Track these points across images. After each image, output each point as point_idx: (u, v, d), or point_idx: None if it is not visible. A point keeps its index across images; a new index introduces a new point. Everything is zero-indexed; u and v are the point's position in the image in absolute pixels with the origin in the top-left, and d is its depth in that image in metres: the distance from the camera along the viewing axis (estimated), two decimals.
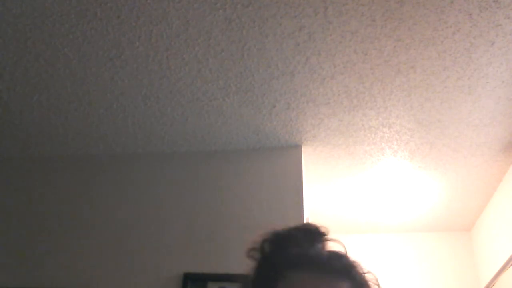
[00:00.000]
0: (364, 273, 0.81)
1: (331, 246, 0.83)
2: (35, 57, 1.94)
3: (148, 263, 2.23)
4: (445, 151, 2.44)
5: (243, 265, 0.84)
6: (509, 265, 2.59)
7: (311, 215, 2.84)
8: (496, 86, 2.04)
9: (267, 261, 0.81)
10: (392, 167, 2.57)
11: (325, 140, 2.39)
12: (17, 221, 2.42)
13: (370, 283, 0.81)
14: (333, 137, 2.36)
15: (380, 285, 0.82)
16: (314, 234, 0.82)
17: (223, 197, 2.35)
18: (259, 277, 0.81)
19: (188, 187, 2.41)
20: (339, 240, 0.82)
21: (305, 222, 2.27)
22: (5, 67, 1.99)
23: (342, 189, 2.79)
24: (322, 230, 0.82)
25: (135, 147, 2.48)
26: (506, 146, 2.41)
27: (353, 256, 0.81)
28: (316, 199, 2.87)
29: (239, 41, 1.86)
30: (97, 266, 2.26)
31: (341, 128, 2.30)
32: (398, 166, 2.57)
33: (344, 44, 1.86)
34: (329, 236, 0.82)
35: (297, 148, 2.43)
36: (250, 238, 0.83)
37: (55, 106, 2.20)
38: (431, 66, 1.95)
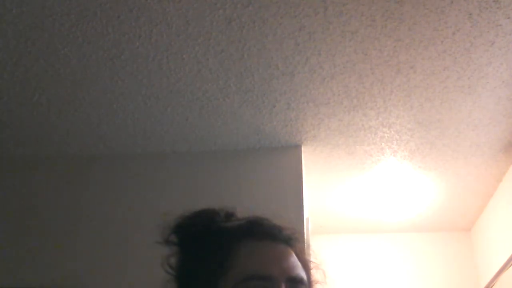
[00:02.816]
0: (302, 242, 0.88)
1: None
2: (35, 57, 1.94)
3: (148, 263, 2.23)
4: (445, 151, 2.44)
5: None
6: (509, 265, 2.59)
7: (311, 215, 2.83)
8: (496, 86, 2.04)
9: (212, 235, 0.82)
10: (392, 167, 2.57)
11: (325, 140, 2.39)
12: (17, 221, 2.42)
13: (305, 252, 0.87)
14: (333, 137, 2.36)
15: (311, 254, 0.88)
16: (228, 213, 0.87)
17: (223, 197, 2.35)
18: (201, 252, 0.81)
19: (188, 187, 2.41)
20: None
21: (305, 221, 2.27)
22: (5, 67, 1.99)
23: (342, 189, 2.79)
24: (231, 210, 0.88)
25: (135, 147, 2.48)
26: (506, 146, 2.41)
27: (289, 227, 0.86)
28: (316, 199, 2.87)
29: (239, 41, 1.86)
30: (96, 266, 2.26)
31: (341, 128, 2.30)
32: (398, 166, 2.57)
33: (344, 44, 1.86)
34: (239, 215, 0.86)
35: (297, 148, 2.43)
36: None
37: (55, 106, 2.20)
38: (431, 66, 1.95)
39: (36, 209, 2.44)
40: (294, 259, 0.81)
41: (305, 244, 0.88)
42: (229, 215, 0.86)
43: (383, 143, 2.40)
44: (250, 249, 0.80)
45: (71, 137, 2.41)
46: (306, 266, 0.84)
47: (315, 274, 0.87)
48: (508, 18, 1.73)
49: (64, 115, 2.26)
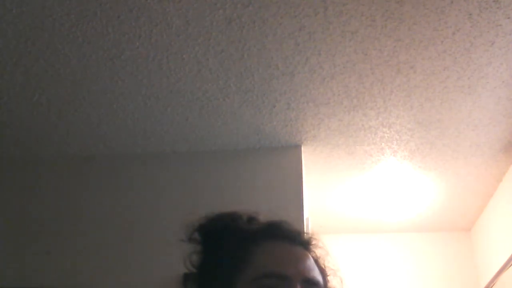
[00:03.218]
0: (320, 248, 0.90)
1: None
2: (35, 57, 1.94)
3: (148, 263, 2.23)
4: (445, 151, 2.44)
5: None
6: (509, 265, 2.59)
7: (311, 215, 2.83)
8: (496, 86, 2.04)
9: (233, 235, 0.84)
10: (392, 167, 2.57)
11: (325, 140, 2.39)
12: (17, 221, 2.42)
13: (324, 257, 0.89)
14: (333, 137, 2.36)
15: (331, 261, 0.90)
16: (250, 217, 0.89)
17: (223, 197, 2.35)
18: (222, 251, 0.83)
19: (188, 187, 2.41)
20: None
21: (305, 221, 2.27)
22: (5, 67, 1.99)
23: (342, 189, 2.79)
24: (254, 214, 0.90)
25: (135, 147, 2.48)
26: (506, 146, 2.41)
27: (308, 232, 0.90)
28: (316, 199, 2.87)
29: (239, 41, 1.86)
30: (96, 266, 2.26)
31: (341, 128, 2.30)
32: (398, 166, 2.57)
33: (344, 44, 1.86)
34: (261, 219, 0.89)
35: (297, 148, 2.43)
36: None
37: (55, 106, 2.20)
38: (431, 66, 1.95)
39: (36, 209, 2.44)
40: (311, 262, 0.84)
41: (325, 251, 0.90)
42: (251, 219, 0.89)
43: (383, 143, 2.40)
44: (268, 249, 0.83)
45: (71, 137, 2.41)
46: (323, 271, 0.87)
47: (332, 281, 0.89)
48: (508, 18, 1.73)
49: (64, 115, 2.26)
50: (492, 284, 2.83)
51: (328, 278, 0.88)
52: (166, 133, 2.37)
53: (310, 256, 0.85)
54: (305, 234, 0.88)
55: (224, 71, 2.00)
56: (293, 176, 2.38)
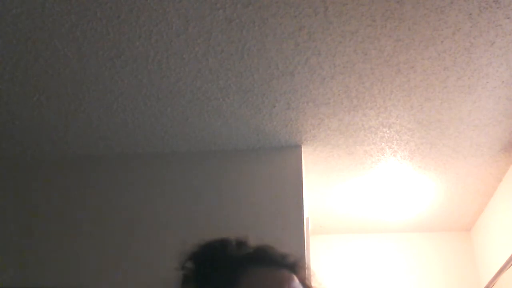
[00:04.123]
0: (306, 269, 0.94)
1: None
2: (35, 57, 1.94)
3: (148, 263, 2.23)
4: (445, 151, 2.44)
5: None
6: (509, 265, 2.59)
7: (311, 215, 2.83)
8: (496, 86, 2.04)
9: (223, 262, 0.89)
10: (392, 167, 2.57)
11: (325, 140, 2.39)
12: (17, 221, 2.42)
13: (310, 278, 0.94)
14: (333, 137, 2.36)
15: (319, 280, 0.95)
16: (239, 243, 0.93)
17: (223, 197, 2.35)
18: (213, 279, 0.88)
19: (188, 187, 2.41)
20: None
21: (305, 221, 2.27)
22: (5, 67, 1.99)
23: (342, 189, 2.79)
24: (243, 239, 0.94)
25: (135, 147, 2.48)
26: (506, 146, 2.41)
27: (293, 255, 0.93)
28: (316, 199, 2.87)
29: (239, 41, 1.86)
30: (96, 266, 2.26)
31: (341, 128, 2.30)
32: (398, 166, 2.57)
33: (344, 44, 1.86)
34: (250, 244, 0.93)
35: (297, 148, 2.43)
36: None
37: (55, 106, 2.20)
38: (431, 66, 1.95)
39: (36, 209, 2.44)
40: (295, 284, 0.88)
41: (310, 271, 0.95)
42: (241, 244, 0.93)
43: (383, 143, 2.40)
44: (255, 275, 0.87)
45: (71, 137, 2.41)
46: None
47: None
48: (508, 18, 1.73)
49: (64, 115, 2.26)
50: (492, 284, 2.83)
51: None
52: (166, 133, 2.37)
53: (295, 278, 0.89)
54: (290, 257, 0.92)
55: (224, 71, 2.00)
56: (293, 176, 2.38)
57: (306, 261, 0.96)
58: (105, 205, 2.41)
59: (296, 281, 0.89)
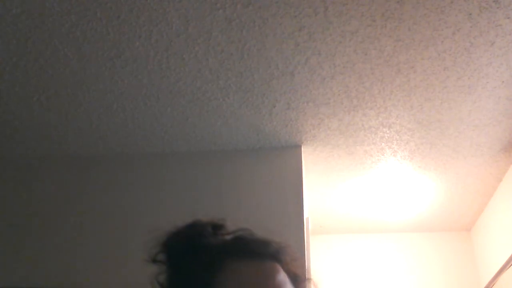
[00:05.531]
0: (290, 255, 0.85)
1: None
2: (35, 57, 1.94)
3: (148, 263, 2.23)
4: (445, 151, 2.44)
5: None
6: (509, 265, 2.59)
7: (311, 215, 2.83)
8: (496, 86, 2.04)
9: (200, 253, 0.80)
10: (392, 167, 2.57)
11: (325, 140, 2.39)
12: (17, 221, 2.42)
13: (295, 264, 0.85)
14: (333, 137, 2.36)
15: (304, 265, 0.86)
16: (216, 226, 0.85)
17: (223, 197, 2.35)
18: (188, 272, 0.80)
19: (187, 187, 2.41)
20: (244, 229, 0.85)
21: (305, 221, 2.27)
22: (5, 67, 1.99)
23: (342, 189, 2.79)
24: (220, 222, 0.85)
25: (135, 147, 2.48)
26: (506, 146, 2.41)
27: (276, 240, 0.85)
28: (316, 199, 2.87)
29: (239, 41, 1.86)
30: (96, 265, 2.26)
31: (341, 128, 2.30)
32: (398, 166, 2.57)
33: (344, 44, 1.86)
34: (228, 227, 0.85)
35: (297, 148, 2.43)
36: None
37: (55, 106, 2.20)
38: (431, 66, 1.95)
39: (36, 209, 2.44)
40: (281, 276, 0.80)
41: (295, 256, 0.87)
42: (217, 228, 0.85)
43: (383, 143, 2.40)
44: (234, 271, 0.79)
45: (71, 137, 2.41)
46: (295, 279, 0.83)
47: (308, 285, 0.86)
48: (508, 18, 1.73)
49: (64, 115, 2.26)
50: (492, 284, 2.83)
51: (304, 281, 0.85)
52: (166, 133, 2.37)
53: (280, 268, 0.81)
54: (272, 243, 0.84)
55: (224, 71, 2.00)
56: (293, 176, 2.37)
57: (290, 247, 0.87)
58: (105, 205, 2.41)
59: (281, 272, 0.81)
